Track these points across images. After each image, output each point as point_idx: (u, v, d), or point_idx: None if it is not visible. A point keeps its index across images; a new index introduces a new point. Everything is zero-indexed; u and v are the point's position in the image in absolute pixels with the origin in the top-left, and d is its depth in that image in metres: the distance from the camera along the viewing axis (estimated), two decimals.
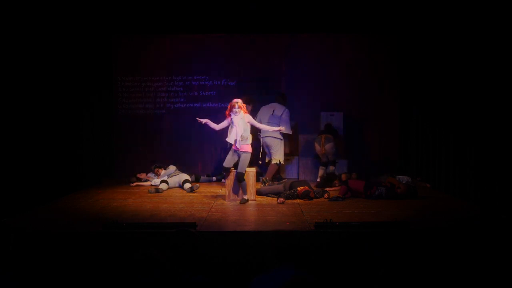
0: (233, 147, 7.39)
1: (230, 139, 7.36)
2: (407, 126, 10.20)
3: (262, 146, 9.12)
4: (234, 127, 7.31)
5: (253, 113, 9.44)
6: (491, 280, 4.61)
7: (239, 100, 7.40)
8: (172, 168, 9.16)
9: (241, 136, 7.27)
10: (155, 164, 9.47)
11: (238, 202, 7.47)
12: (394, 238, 5.36)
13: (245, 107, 7.46)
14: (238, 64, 10.56)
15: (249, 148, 7.38)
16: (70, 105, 8.92)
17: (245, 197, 7.50)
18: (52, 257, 5.17)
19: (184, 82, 10.58)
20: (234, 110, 7.31)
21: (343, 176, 8.86)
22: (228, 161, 7.50)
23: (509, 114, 6.69)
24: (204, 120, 7.58)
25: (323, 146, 9.25)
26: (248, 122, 7.45)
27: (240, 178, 7.42)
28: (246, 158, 7.38)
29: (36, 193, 7.43)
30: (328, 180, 8.73)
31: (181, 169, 9.32)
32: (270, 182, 8.84)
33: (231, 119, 7.35)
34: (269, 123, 8.82)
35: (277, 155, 9.11)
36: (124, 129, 10.53)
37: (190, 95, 10.59)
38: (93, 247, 5.30)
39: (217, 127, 7.60)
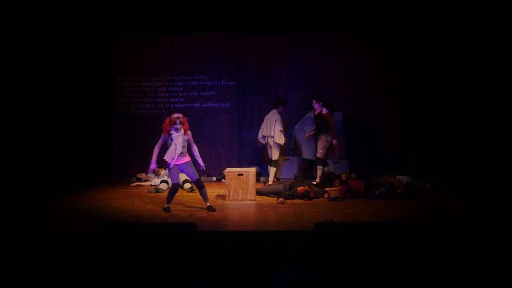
0: (171, 163, 6.81)
1: (168, 157, 6.76)
2: (407, 126, 10.20)
3: (294, 140, 9.93)
4: (173, 145, 6.74)
5: (283, 113, 9.45)
6: (491, 280, 4.61)
7: (180, 115, 6.80)
8: None
9: (180, 153, 6.79)
10: None
11: (236, 203, 7.36)
12: (394, 238, 5.36)
13: (186, 123, 6.85)
14: (238, 64, 10.57)
15: (188, 157, 6.94)
16: (70, 105, 8.93)
17: (208, 203, 6.92)
18: (52, 257, 5.17)
19: (184, 82, 10.59)
20: (175, 126, 6.72)
21: (343, 176, 8.86)
22: (177, 176, 6.90)
23: (508, 114, 6.69)
24: (150, 168, 7.08)
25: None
26: (187, 140, 6.92)
27: (200, 185, 6.88)
28: (191, 165, 6.92)
29: (36, 193, 7.43)
30: (328, 180, 8.73)
31: None
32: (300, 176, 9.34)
33: (170, 135, 6.77)
34: (303, 126, 9.76)
35: (306, 152, 9.64)
36: (124, 129, 10.54)
37: (190, 95, 10.59)
38: (93, 247, 5.30)
39: (156, 151, 6.99)
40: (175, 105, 10.56)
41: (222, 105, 10.49)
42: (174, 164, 6.83)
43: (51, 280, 4.77)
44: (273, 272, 3.17)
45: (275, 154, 9.23)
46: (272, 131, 9.09)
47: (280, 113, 9.24)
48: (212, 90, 10.59)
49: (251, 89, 10.64)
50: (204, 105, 10.58)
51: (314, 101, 9.29)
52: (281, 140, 9.10)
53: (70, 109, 8.93)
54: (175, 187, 6.93)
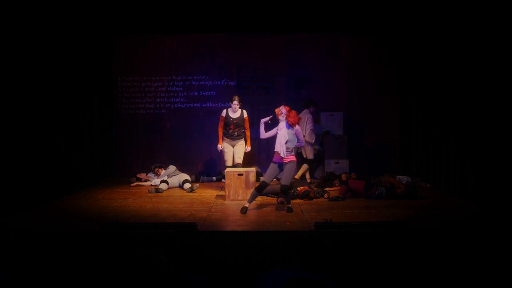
0: (274, 159, 6.82)
1: (277, 147, 6.75)
2: (407, 126, 10.20)
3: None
4: (279, 136, 6.76)
5: (314, 114, 9.45)
6: (491, 280, 4.61)
7: (287, 107, 6.81)
8: (172, 168, 9.17)
9: (286, 146, 6.70)
10: (155, 164, 9.49)
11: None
12: (394, 238, 5.36)
13: (294, 116, 6.73)
14: (238, 64, 10.57)
15: (293, 157, 6.82)
16: (70, 105, 8.93)
17: (290, 205, 6.81)
18: (52, 257, 5.17)
19: (184, 82, 10.59)
20: (280, 117, 6.79)
21: (343, 176, 8.85)
22: (269, 175, 6.84)
23: (508, 114, 6.69)
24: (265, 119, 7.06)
25: None
26: (295, 134, 6.76)
27: (285, 191, 6.81)
28: (291, 169, 6.80)
29: (36, 193, 7.43)
30: (328, 180, 8.73)
31: (181, 169, 9.33)
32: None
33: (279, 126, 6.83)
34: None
35: (305, 153, 9.57)
36: (124, 129, 10.54)
37: (190, 95, 10.60)
38: (93, 247, 5.30)
39: (263, 134, 6.99)
40: (175, 105, 10.57)
41: (222, 105, 10.47)
42: (275, 162, 6.79)
43: (51, 280, 4.77)
44: (263, 273, 3.13)
45: (309, 154, 9.31)
46: (305, 129, 9.14)
47: (312, 113, 9.29)
48: (212, 90, 10.59)
49: (251, 89, 10.63)
50: (204, 105, 10.58)
51: (235, 101, 8.33)
52: (311, 138, 9.23)
53: (70, 109, 8.94)
54: (284, 189, 6.78)
